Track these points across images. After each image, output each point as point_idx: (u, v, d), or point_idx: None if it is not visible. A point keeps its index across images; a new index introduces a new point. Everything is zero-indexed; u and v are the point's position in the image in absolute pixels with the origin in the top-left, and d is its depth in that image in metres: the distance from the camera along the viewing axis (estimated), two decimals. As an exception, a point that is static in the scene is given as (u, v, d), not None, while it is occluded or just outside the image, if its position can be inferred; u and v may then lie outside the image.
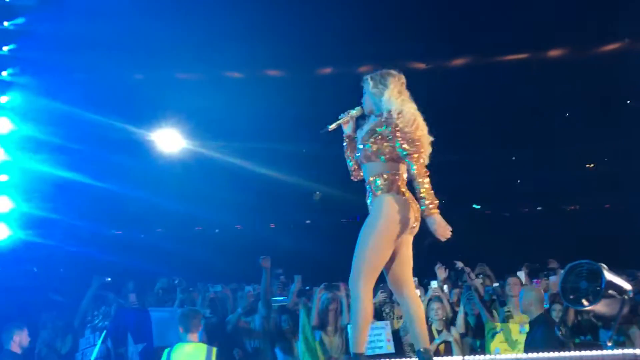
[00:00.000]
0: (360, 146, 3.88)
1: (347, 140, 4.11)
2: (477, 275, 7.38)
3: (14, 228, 10.00)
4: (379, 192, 3.72)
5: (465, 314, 6.92)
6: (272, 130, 12.02)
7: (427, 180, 3.61)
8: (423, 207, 3.57)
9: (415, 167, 3.61)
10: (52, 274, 8.75)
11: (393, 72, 3.96)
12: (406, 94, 3.88)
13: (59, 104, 10.24)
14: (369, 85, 3.94)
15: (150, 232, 14.34)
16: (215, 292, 7.71)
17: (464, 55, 12.10)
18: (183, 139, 11.92)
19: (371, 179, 3.80)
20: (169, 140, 11.80)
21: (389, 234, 3.66)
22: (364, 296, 3.62)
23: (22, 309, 7.65)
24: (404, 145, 3.66)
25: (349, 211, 13.94)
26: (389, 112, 3.78)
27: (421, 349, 3.74)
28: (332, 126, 4.03)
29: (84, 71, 11.09)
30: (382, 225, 3.65)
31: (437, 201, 3.59)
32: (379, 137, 3.76)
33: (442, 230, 3.53)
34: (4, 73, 10.98)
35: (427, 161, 3.70)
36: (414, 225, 3.77)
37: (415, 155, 3.63)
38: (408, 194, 3.77)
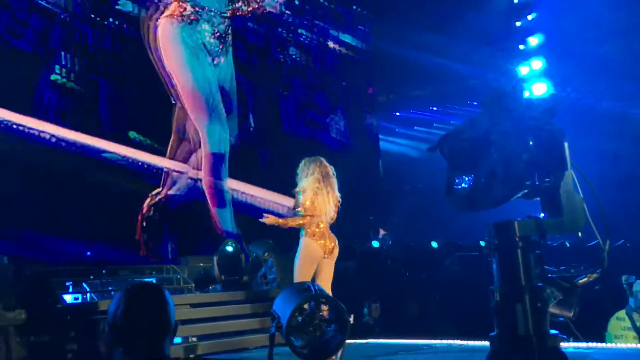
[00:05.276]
0: None
1: None
2: None
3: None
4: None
5: None
6: None
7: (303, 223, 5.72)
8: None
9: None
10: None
11: (319, 160, 5.86)
12: (318, 176, 5.74)
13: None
14: (300, 166, 5.91)
15: None
16: None
17: None
18: None
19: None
20: None
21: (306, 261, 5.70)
22: None
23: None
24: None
25: None
26: (300, 186, 5.79)
27: None
28: None
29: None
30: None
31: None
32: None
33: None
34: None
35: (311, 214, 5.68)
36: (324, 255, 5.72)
37: (306, 213, 5.68)
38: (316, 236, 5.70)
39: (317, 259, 5.68)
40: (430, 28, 12.78)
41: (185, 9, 10.58)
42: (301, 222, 5.66)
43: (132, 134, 9.44)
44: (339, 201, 5.82)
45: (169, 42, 10.32)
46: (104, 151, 9.08)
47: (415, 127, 15.74)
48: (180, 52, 10.45)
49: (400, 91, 15.30)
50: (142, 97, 9.59)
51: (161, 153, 9.82)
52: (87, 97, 9.04)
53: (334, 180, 5.84)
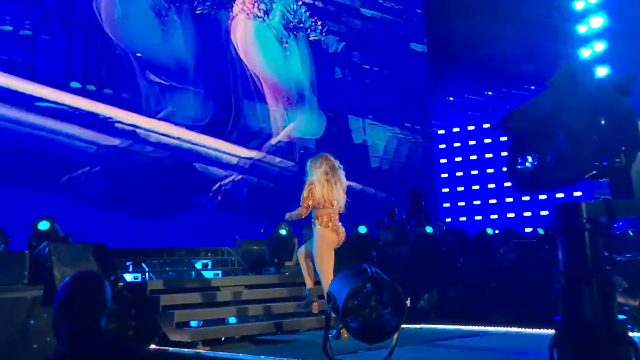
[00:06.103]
0: None
1: None
2: None
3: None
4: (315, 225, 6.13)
5: None
6: None
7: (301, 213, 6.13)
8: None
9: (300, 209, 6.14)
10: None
11: (324, 155, 6.19)
12: (326, 168, 6.06)
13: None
14: (308, 164, 6.27)
15: None
16: None
17: None
18: None
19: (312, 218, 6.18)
20: None
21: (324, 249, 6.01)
22: None
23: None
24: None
25: None
26: (309, 181, 6.11)
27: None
28: None
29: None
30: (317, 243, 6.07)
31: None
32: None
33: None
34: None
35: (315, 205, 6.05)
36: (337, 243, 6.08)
37: (303, 205, 6.07)
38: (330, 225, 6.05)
39: (333, 245, 6.04)
40: (486, 12, 12.50)
41: (257, 5, 10.88)
42: (305, 211, 6.07)
43: (90, 87, 9.67)
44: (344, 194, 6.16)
45: (245, 39, 10.71)
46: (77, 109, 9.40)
47: (469, 112, 15.47)
48: (255, 48, 10.81)
49: (455, 76, 15.05)
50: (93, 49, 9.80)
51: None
52: (39, 47, 9.23)
53: (341, 172, 6.18)
